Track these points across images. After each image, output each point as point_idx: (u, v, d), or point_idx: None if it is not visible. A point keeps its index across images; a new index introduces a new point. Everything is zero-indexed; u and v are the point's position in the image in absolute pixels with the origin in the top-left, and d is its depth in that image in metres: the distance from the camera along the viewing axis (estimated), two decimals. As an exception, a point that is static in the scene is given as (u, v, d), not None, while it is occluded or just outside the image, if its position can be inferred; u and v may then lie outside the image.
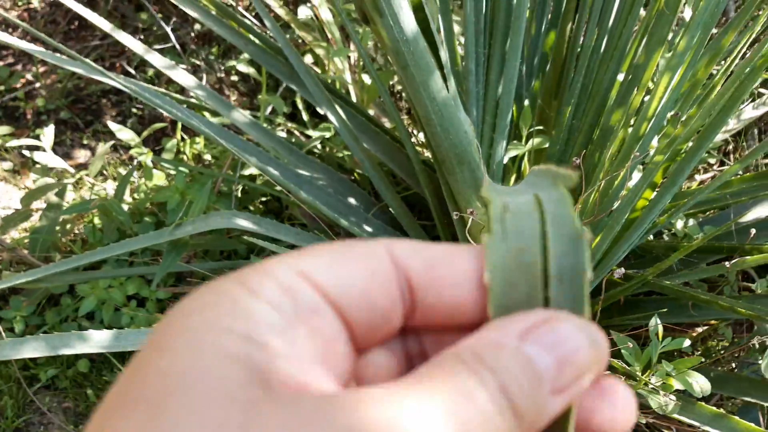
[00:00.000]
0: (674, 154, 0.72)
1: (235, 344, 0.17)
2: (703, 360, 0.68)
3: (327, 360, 0.19)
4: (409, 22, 0.51)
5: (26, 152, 1.38)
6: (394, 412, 0.16)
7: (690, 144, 0.73)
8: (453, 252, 0.20)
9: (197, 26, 1.69)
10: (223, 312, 0.18)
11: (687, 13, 0.87)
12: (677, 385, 0.66)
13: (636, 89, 0.76)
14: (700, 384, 0.64)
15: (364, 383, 0.21)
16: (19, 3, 1.91)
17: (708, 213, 1.13)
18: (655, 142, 0.87)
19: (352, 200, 1.08)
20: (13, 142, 1.31)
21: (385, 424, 0.16)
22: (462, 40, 0.90)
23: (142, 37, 1.74)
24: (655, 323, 0.67)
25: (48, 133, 1.21)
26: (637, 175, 0.93)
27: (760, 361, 0.83)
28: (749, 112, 1.28)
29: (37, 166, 1.28)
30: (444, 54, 0.61)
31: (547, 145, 0.93)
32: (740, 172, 1.17)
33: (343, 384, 0.19)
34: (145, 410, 0.16)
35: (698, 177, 1.24)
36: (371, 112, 1.22)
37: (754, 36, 0.68)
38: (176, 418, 0.15)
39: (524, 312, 0.19)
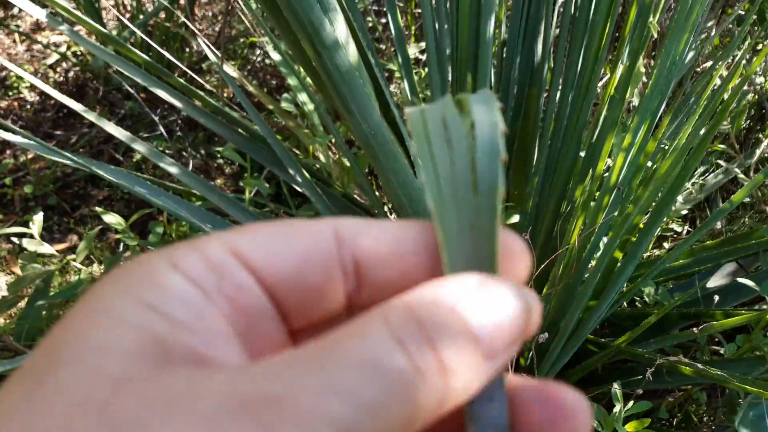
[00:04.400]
0: (631, 227, 0.76)
1: (137, 313, 0.16)
2: (664, 421, 0.70)
3: (250, 340, 0.18)
4: (375, 118, 0.56)
5: (14, 238, 1.41)
6: (282, 386, 0.14)
7: (647, 217, 0.78)
8: (400, 226, 0.20)
9: (183, 113, 1.76)
10: (135, 281, 0.17)
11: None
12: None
13: (591, 170, 0.81)
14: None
15: None
16: (10, 93, 1.98)
17: (680, 280, 1.17)
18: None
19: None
20: (1, 230, 1.34)
21: (265, 402, 0.14)
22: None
23: (130, 123, 1.81)
24: (615, 389, 0.70)
25: (37, 221, 1.24)
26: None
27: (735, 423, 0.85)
28: (711, 181, 1.35)
29: (25, 252, 1.30)
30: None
31: (518, 219, 0.98)
32: (708, 241, 1.23)
33: None
34: (27, 384, 0.15)
35: (666, 245, 1.29)
36: (355, 190, 1.27)
37: (695, 119, 0.74)
38: (45, 395, 0.15)
39: (462, 274, 0.18)
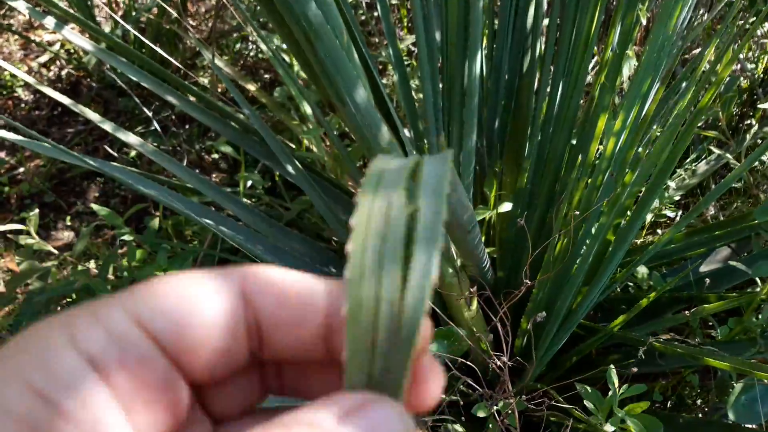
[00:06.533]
0: (623, 211, 0.77)
1: (21, 402, 0.16)
2: (657, 404, 0.71)
3: (150, 411, 0.18)
4: (368, 109, 0.56)
5: (10, 235, 1.41)
6: None
7: (636, 202, 0.78)
8: (308, 287, 0.20)
9: (177, 109, 1.76)
10: (26, 361, 0.17)
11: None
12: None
13: (580, 156, 0.82)
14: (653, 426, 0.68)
15: (216, 415, 0.21)
16: (4, 92, 1.98)
17: (673, 265, 1.18)
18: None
19: (331, 268, 1.12)
20: (-2, 227, 1.34)
21: None
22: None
23: (124, 120, 1.81)
24: (610, 373, 0.71)
25: (33, 218, 1.25)
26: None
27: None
28: (703, 167, 1.36)
29: (22, 249, 1.31)
30: (405, 132, 0.67)
31: (510, 207, 0.99)
32: (699, 225, 1.24)
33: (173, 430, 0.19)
34: None
35: (660, 231, 1.30)
36: (349, 181, 1.28)
37: (685, 104, 0.75)
38: None
39: (345, 394, 0.18)
